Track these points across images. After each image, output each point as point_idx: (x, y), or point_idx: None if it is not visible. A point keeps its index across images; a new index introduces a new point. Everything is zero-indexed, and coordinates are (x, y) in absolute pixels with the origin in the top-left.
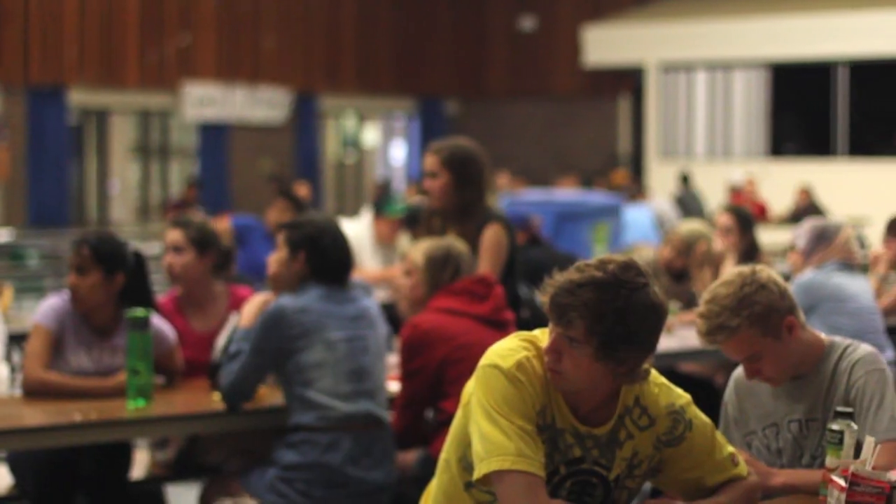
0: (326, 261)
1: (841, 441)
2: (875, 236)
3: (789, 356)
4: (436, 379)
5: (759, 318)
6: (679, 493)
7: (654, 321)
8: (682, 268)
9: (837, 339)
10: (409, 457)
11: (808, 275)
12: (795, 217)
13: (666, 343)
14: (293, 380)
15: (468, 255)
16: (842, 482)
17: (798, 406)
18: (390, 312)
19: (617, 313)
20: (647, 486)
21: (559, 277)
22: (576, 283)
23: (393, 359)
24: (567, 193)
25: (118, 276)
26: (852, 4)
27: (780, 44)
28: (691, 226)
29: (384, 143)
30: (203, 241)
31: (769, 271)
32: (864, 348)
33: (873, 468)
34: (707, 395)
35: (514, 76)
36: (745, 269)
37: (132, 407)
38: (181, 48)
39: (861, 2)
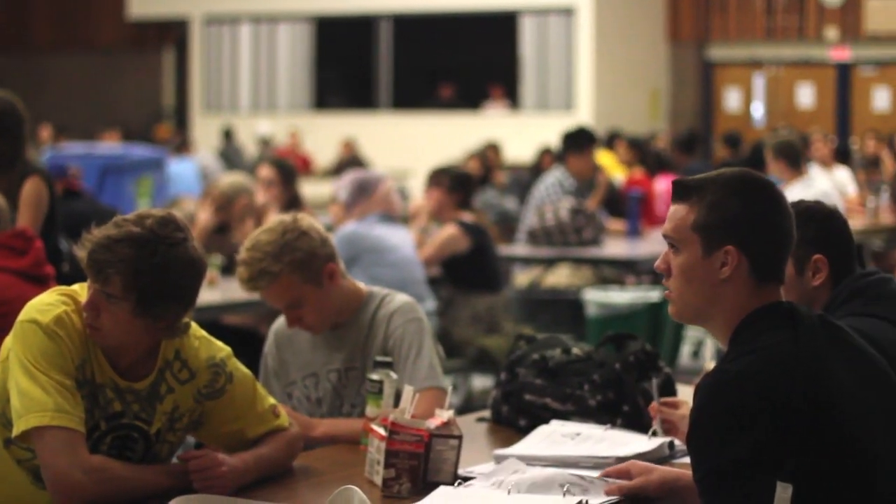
0: None
1: (381, 390)
2: (418, 188)
3: (330, 304)
4: None
5: (301, 264)
6: (221, 445)
7: (193, 276)
8: (224, 221)
9: (376, 288)
10: None
11: (349, 227)
12: (339, 170)
13: (209, 296)
14: None
15: (7, 209)
16: (382, 431)
17: (337, 355)
18: None
19: (155, 269)
20: (191, 439)
21: (97, 233)
22: (113, 238)
23: None
24: (110, 147)
25: None
26: None
27: None
28: (232, 179)
29: None
30: None
31: (310, 219)
32: (402, 298)
33: (412, 416)
34: (254, 347)
35: (57, 28)
36: (287, 216)
37: None
38: None
39: None
